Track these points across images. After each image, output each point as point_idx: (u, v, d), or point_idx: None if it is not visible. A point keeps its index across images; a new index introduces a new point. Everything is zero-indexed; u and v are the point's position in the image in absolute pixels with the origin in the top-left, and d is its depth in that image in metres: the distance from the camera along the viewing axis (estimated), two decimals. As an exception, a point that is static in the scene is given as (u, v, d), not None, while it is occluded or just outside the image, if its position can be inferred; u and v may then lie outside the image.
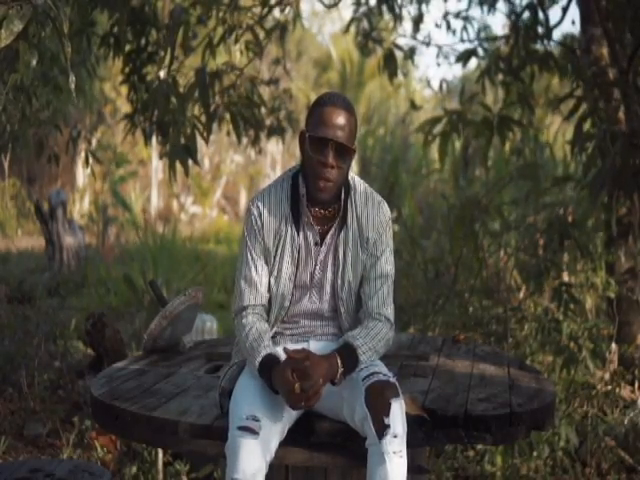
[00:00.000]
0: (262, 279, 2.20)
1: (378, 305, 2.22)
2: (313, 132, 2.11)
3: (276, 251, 2.20)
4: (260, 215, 2.20)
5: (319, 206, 2.18)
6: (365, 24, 6.60)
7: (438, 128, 4.98)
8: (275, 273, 2.20)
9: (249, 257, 2.21)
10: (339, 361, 2.04)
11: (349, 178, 2.23)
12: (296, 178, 2.21)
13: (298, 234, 2.19)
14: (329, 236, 2.21)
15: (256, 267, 2.20)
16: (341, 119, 2.11)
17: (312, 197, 2.16)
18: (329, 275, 2.23)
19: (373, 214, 2.23)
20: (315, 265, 2.22)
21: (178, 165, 4.28)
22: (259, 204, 2.21)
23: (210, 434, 2.08)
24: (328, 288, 2.23)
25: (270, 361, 2.06)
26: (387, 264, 2.25)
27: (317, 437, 2.09)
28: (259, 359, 2.07)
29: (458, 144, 7.28)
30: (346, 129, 2.11)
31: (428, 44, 6.77)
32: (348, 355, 2.07)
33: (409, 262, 6.33)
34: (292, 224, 2.19)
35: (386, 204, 2.28)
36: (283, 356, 2.07)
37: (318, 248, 2.21)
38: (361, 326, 2.18)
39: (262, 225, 2.20)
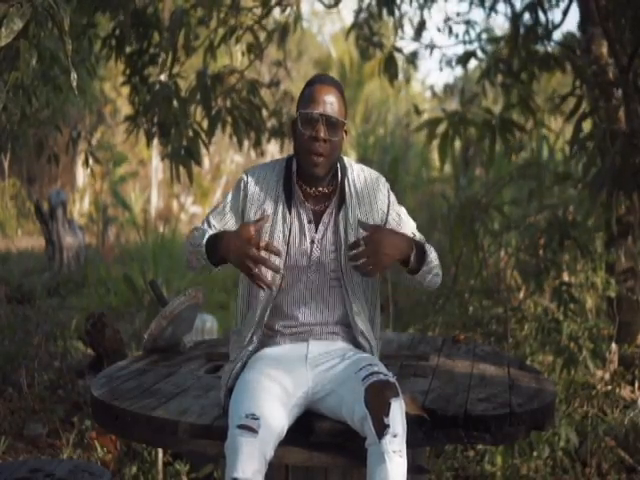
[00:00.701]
0: (225, 226, 2.23)
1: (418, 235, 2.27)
2: (304, 110, 2.16)
3: (264, 227, 2.18)
4: (248, 183, 2.23)
5: (313, 184, 2.21)
6: (366, 30, 6.59)
7: (439, 129, 4.98)
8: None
9: (222, 207, 2.24)
10: (414, 245, 2.09)
11: (345, 162, 2.27)
12: (290, 161, 2.25)
13: (290, 212, 2.21)
14: (326, 215, 2.22)
15: (224, 217, 2.23)
16: (329, 95, 2.16)
17: (305, 174, 2.19)
18: (329, 253, 2.21)
19: (374, 189, 2.27)
20: (311, 244, 2.21)
21: (181, 167, 4.30)
22: (250, 175, 2.25)
23: (210, 434, 2.08)
24: (329, 268, 2.22)
25: (218, 235, 2.10)
26: (410, 221, 2.31)
27: (317, 437, 2.09)
28: (206, 238, 2.10)
29: (458, 144, 7.27)
30: (335, 104, 2.16)
31: (432, 48, 6.76)
32: (419, 244, 2.12)
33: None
34: (284, 202, 2.21)
35: (381, 176, 2.33)
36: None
37: (312, 227, 2.22)
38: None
39: (246, 195, 2.23)
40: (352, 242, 2.07)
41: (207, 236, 2.12)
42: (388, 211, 2.27)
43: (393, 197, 2.32)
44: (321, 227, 2.22)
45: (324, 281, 2.23)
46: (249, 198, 2.22)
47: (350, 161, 2.31)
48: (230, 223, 2.24)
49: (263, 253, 2.02)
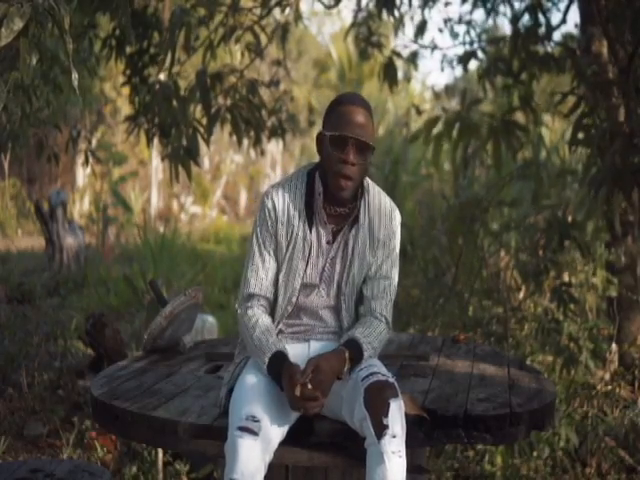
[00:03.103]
0: (269, 272, 2.21)
1: (382, 307, 2.24)
2: (333, 131, 2.13)
3: (287, 246, 2.20)
4: (274, 208, 2.20)
5: (336, 205, 2.19)
6: (365, 29, 6.58)
7: (436, 129, 4.98)
8: (285, 268, 2.21)
9: (258, 249, 2.21)
10: (347, 355, 2.06)
11: (365, 183, 2.24)
12: (311, 176, 2.22)
13: (310, 231, 2.20)
14: (340, 234, 2.22)
15: (264, 260, 2.21)
16: (360, 117, 2.13)
17: (331, 196, 2.17)
18: (337, 270, 2.24)
19: (385, 219, 2.25)
20: (325, 262, 2.23)
21: (180, 167, 4.29)
22: (274, 197, 2.21)
23: (210, 434, 2.08)
24: (335, 284, 2.25)
25: (279, 358, 2.07)
26: (394, 268, 2.27)
27: (317, 437, 2.09)
28: (269, 355, 2.08)
29: (458, 144, 7.26)
30: (365, 127, 2.13)
31: (433, 49, 6.75)
32: (355, 351, 2.09)
33: (409, 262, 6.33)
34: (305, 221, 2.19)
35: (398, 210, 2.30)
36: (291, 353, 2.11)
37: (330, 247, 2.22)
38: (364, 324, 2.19)
39: (276, 219, 2.20)
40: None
41: (271, 352, 2.09)
42: (385, 245, 2.25)
43: (398, 239, 2.29)
44: (335, 245, 2.23)
45: (331, 297, 2.26)
46: (278, 221, 2.20)
47: (369, 182, 2.28)
48: (273, 261, 2.21)
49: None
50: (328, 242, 2.22)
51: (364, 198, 2.23)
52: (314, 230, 2.20)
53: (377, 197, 2.26)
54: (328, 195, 2.17)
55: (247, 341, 2.17)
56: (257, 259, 2.21)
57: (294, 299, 2.22)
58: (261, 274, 2.21)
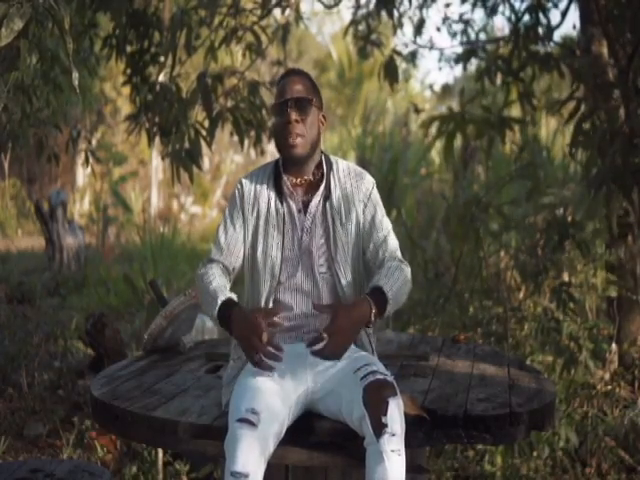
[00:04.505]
0: (231, 243, 2.31)
1: (391, 250, 2.30)
2: (274, 103, 2.28)
3: (259, 222, 2.29)
4: (242, 187, 2.34)
5: (298, 173, 2.29)
6: (364, 27, 6.58)
7: (444, 128, 4.98)
8: (262, 243, 2.28)
9: (224, 224, 2.34)
10: (372, 304, 2.09)
11: (330, 157, 2.36)
12: (279, 161, 2.34)
13: (282, 204, 2.29)
14: (313, 205, 2.29)
15: (227, 232, 2.32)
16: (295, 81, 2.29)
17: (289, 163, 2.28)
18: (317, 241, 2.28)
19: (356, 184, 2.33)
20: (302, 232, 2.28)
21: (182, 169, 4.30)
22: (244, 180, 2.36)
23: (210, 434, 2.08)
24: (317, 255, 2.27)
25: (231, 305, 2.13)
26: (384, 219, 2.34)
27: (317, 437, 2.09)
28: (219, 301, 2.14)
29: (458, 143, 7.27)
30: (301, 87, 2.28)
31: (431, 48, 6.75)
32: (379, 298, 2.12)
33: (409, 262, 6.32)
34: (275, 196, 2.30)
35: (368, 174, 2.39)
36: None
37: (302, 216, 2.29)
38: (382, 269, 2.22)
39: (242, 195, 2.33)
40: (313, 337, 2.07)
41: (219, 300, 2.15)
42: (366, 205, 2.33)
43: (376, 194, 2.36)
44: (309, 216, 2.29)
45: (315, 269, 2.27)
46: (245, 199, 2.32)
47: (336, 158, 2.40)
48: (237, 235, 2.32)
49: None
50: (299, 211, 2.29)
51: (332, 170, 2.33)
52: (284, 202, 2.29)
53: (344, 167, 2.37)
54: (287, 165, 2.29)
55: (201, 297, 2.25)
56: (221, 232, 2.33)
57: (276, 269, 2.25)
58: (223, 245, 2.32)
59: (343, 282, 2.27)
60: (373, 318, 2.09)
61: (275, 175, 2.33)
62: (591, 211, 4.86)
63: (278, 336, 2.26)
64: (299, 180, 2.31)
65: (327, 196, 2.29)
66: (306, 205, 2.29)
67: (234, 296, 2.18)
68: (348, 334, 2.07)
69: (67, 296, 7.91)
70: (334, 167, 2.35)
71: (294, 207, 2.29)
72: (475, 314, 5.39)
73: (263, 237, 2.28)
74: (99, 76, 8.29)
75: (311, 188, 2.31)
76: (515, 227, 5.69)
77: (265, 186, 2.32)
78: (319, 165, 2.32)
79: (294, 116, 2.23)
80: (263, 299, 2.27)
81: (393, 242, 2.32)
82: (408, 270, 2.26)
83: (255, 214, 2.30)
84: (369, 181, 2.36)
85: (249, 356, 2.08)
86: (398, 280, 2.19)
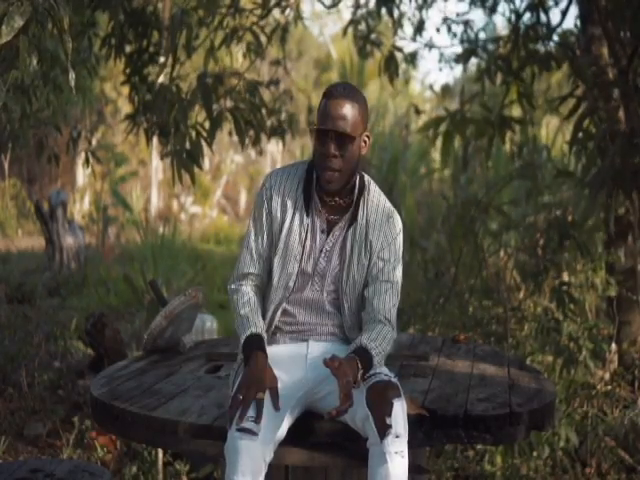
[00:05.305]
0: (263, 252, 2.25)
1: (385, 309, 2.22)
2: (317, 125, 2.15)
3: (284, 227, 2.22)
4: (271, 187, 2.24)
5: (330, 194, 2.21)
6: (363, 26, 6.57)
7: (441, 128, 4.98)
8: (282, 251, 2.22)
9: (254, 230, 2.26)
10: (359, 364, 2.03)
11: (365, 180, 2.26)
12: (312, 164, 2.24)
13: (307, 216, 2.22)
14: (337, 228, 2.23)
15: (258, 238, 2.25)
16: (341, 109, 2.13)
17: (322, 188, 2.19)
18: (333, 266, 2.24)
19: (382, 222, 2.25)
20: (320, 253, 2.23)
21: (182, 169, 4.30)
22: (273, 178, 2.26)
23: (210, 434, 2.08)
24: (330, 280, 2.24)
25: (257, 342, 2.12)
26: (395, 271, 2.26)
27: (317, 437, 2.09)
28: (248, 332, 2.13)
29: (457, 143, 7.28)
30: (347, 117, 2.13)
31: (431, 47, 6.74)
32: (365, 358, 2.07)
33: (409, 262, 6.32)
34: (302, 206, 2.22)
35: (398, 215, 2.30)
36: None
37: (324, 237, 2.23)
38: (370, 328, 2.17)
39: (271, 197, 2.23)
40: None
41: (248, 332, 2.14)
42: (384, 249, 2.24)
43: (399, 242, 2.28)
44: (331, 238, 2.23)
45: (324, 291, 2.25)
46: (274, 200, 2.23)
47: (370, 181, 2.29)
48: (268, 240, 2.25)
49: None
50: (322, 231, 2.23)
51: (363, 196, 2.24)
52: (310, 216, 2.22)
53: (377, 198, 2.27)
54: (321, 187, 2.20)
55: (235, 317, 2.23)
56: (252, 240, 2.26)
57: (291, 283, 2.22)
58: (255, 255, 2.25)
59: (347, 312, 2.26)
60: (359, 378, 2.04)
61: (306, 181, 2.23)
62: (588, 211, 4.86)
63: (280, 336, 2.26)
64: (329, 200, 2.22)
65: (352, 222, 2.23)
66: (330, 225, 2.23)
67: (262, 330, 2.15)
68: (351, 386, 1.98)
69: (67, 296, 7.90)
70: (366, 194, 2.24)
71: (318, 225, 2.23)
72: (475, 314, 5.39)
73: (284, 244, 2.21)
74: (99, 76, 8.27)
75: (339, 209, 2.23)
76: (515, 227, 5.68)
77: (295, 190, 2.23)
78: (352, 188, 2.23)
79: (333, 150, 2.12)
80: (272, 309, 2.25)
81: (392, 298, 2.24)
82: (394, 333, 2.21)
83: (284, 218, 2.22)
84: (397, 226, 2.27)
85: (237, 393, 2.01)
86: (384, 341, 2.14)
